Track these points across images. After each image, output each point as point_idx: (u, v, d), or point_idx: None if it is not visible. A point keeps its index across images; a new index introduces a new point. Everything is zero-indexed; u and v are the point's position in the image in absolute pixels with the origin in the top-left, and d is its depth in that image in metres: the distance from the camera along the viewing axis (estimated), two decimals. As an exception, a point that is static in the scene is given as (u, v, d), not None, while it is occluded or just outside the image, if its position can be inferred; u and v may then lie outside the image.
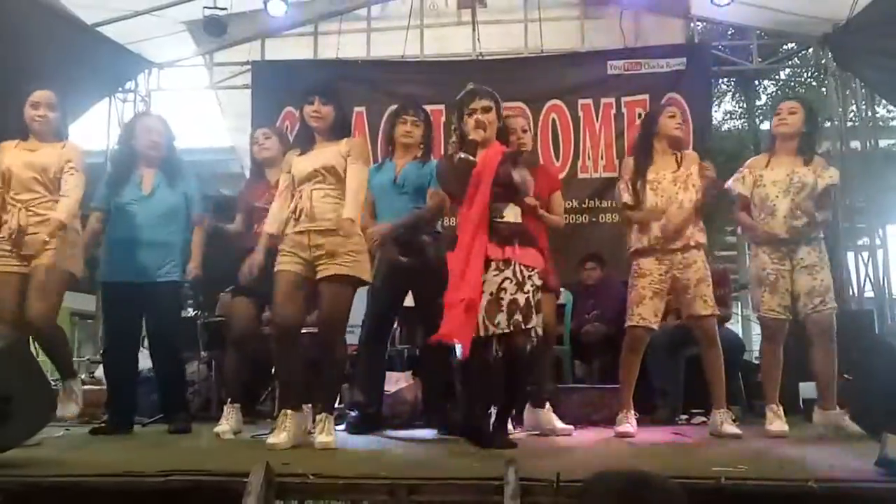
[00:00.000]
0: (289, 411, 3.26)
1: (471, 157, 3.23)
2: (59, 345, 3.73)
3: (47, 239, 3.47)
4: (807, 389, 4.34)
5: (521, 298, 3.18)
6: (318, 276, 3.27)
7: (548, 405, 3.94)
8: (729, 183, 3.94)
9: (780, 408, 3.76)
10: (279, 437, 3.18)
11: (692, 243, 3.76)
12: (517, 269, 3.21)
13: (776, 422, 3.69)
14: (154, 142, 4.03)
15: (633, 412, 3.82)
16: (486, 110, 3.36)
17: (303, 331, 4.57)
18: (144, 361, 4.21)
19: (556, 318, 4.32)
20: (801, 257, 3.74)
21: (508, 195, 3.30)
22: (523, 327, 3.18)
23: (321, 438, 3.18)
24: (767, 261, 3.78)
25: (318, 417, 3.31)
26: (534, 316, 3.21)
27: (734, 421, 3.81)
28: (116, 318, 4.04)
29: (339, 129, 3.43)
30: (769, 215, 3.78)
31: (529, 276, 3.23)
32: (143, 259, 3.86)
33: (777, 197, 3.76)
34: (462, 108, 3.39)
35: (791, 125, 3.82)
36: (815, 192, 3.73)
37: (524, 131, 3.94)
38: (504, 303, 3.17)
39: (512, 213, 3.30)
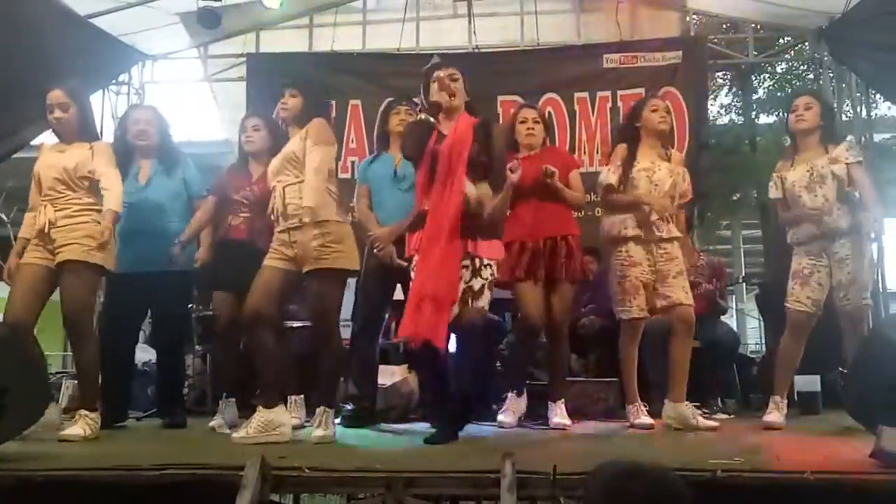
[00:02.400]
0: (260, 407, 3.24)
1: (430, 119, 3.22)
2: (88, 358, 3.49)
3: (110, 227, 3.41)
4: (802, 383, 4.34)
5: (477, 284, 3.21)
6: (304, 270, 3.28)
7: (562, 401, 3.90)
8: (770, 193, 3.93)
9: (785, 402, 3.75)
10: (242, 431, 3.19)
11: (675, 234, 3.82)
12: (475, 260, 3.23)
13: (774, 413, 3.70)
14: (141, 131, 4.03)
15: (643, 404, 3.83)
16: (453, 78, 3.35)
17: (296, 325, 4.61)
18: (140, 356, 4.21)
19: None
20: (835, 251, 3.69)
21: (479, 173, 3.25)
22: (472, 303, 3.19)
23: (318, 432, 3.18)
24: (804, 255, 3.76)
25: (317, 411, 3.30)
26: (484, 297, 3.22)
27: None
28: (117, 311, 4.01)
29: (307, 119, 3.42)
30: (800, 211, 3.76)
31: (487, 265, 3.25)
32: (147, 249, 3.85)
33: (801, 195, 3.74)
34: (427, 79, 3.40)
35: (809, 120, 3.79)
36: (839, 181, 3.66)
37: (536, 122, 3.94)
38: (461, 289, 3.19)
39: (476, 192, 3.22)
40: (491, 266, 3.27)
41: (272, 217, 3.37)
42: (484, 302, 3.23)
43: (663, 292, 3.78)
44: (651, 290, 3.80)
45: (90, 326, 3.52)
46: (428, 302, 3.05)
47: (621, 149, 3.93)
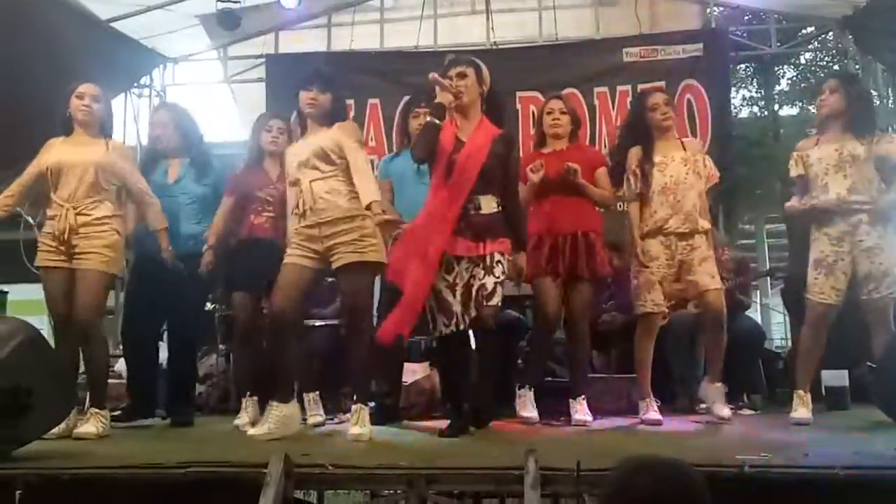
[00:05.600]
0: (275, 402, 3.25)
1: (437, 121, 3.23)
2: (98, 358, 3.56)
3: (168, 249, 3.65)
4: (829, 378, 4.27)
5: (490, 283, 3.24)
6: (335, 265, 3.26)
7: (583, 398, 3.87)
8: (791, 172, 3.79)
9: (808, 395, 3.68)
10: (262, 428, 3.19)
11: (699, 229, 3.74)
12: (488, 259, 3.27)
13: (800, 409, 3.62)
14: (157, 135, 4.08)
15: (654, 399, 3.79)
16: (461, 76, 3.33)
17: (318, 323, 4.62)
18: (164, 354, 4.23)
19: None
20: (860, 239, 3.55)
21: (490, 187, 3.30)
22: (486, 304, 3.23)
23: (355, 430, 3.16)
24: (826, 242, 3.60)
25: (353, 408, 3.27)
26: (496, 296, 3.26)
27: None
28: (137, 308, 4.05)
29: (333, 117, 3.41)
30: (822, 193, 3.63)
31: (499, 262, 3.28)
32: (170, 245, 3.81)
33: (826, 174, 3.61)
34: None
35: (830, 105, 3.68)
36: (870, 166, 3.56)
37: (562, 112, 3.91)
38: (474, 288, 3.25)
39: (488, 205, 3.30)
40: (503, 263, 3.28)
41: (296, 212, 3.32)
42: (497, 300, 3.27)
43: (690, 280, 3.74)
44: (670, 284, 3.76)
45: (100, 328, 3.55)
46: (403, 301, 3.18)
47: (634, 153, 3.87)
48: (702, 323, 3.84)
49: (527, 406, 3.79)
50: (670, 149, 3.82)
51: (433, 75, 3.30)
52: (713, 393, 3.77)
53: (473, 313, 3.26)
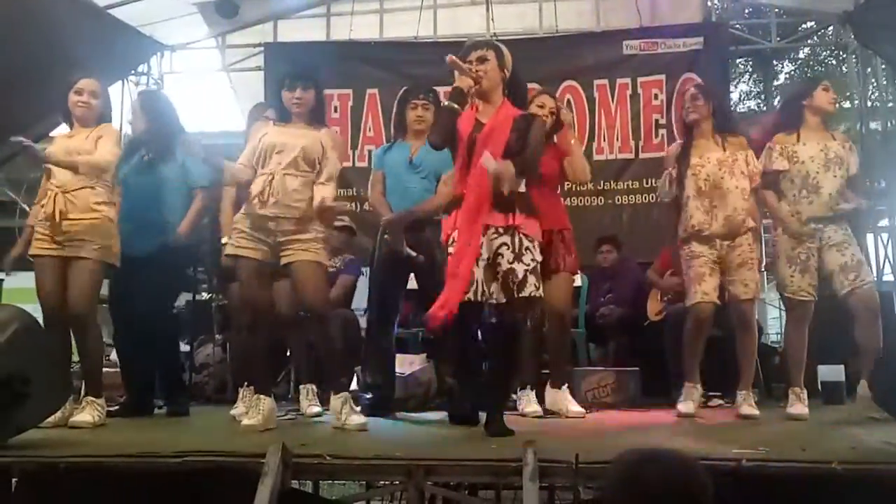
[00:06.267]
0: (262, 396, 3.26)
1: (454, 106, 3.10)
2: (93, 347, 3.53)
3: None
4: (826, 372, 4.28)
5: (520, 270, 3.01)
6: (285, 260, 3.31)
7: (565, 387, 3.91)
8: (764, 162, 3.75)
9: (805, 391, 3.69)
10: (254, 419, 3.19)
11: (741, 230, 3.69)
12: (517, 238, 3.05)
13: (797, 405, 3.63)
14: (129, 122, 4.03)
15: (699, 387, 3.80)
16: (481, 60, 3.17)
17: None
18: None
19: (571, 302, 4.30)
20: (828, 236, 3.64)
21: (513, 164, 3.07)
22: (517, 296, 3.00)
23: (354, 419, 3.17)
24: (796, 241, 3.66)
25: (338, 401, 3.28)
26: (530, 285, 3.01)
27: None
28: (117, 294, 3.98)
29: (316, 113, 3.46)
30: (813, 193, 3.65)
31: (528, 248, 3.06)
32: (134, 234, 3.76)
33: (818, 173, 3.64)
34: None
35: (833, 103, 3.77)
36: (849, 169, 3.65)
37: (551, 113, 3.89)
38: (500, 270, 3.04)
39: (496, 167, 3.04)
40: (532, 251, 3.06)
41: (259, 198, 3.27)
42: (528, 291, 3.00)
43: (726, 285, 3.73)
44: (718, 276, 3.71)
45: (93, 316, 3.52)
46: (450, 279, 3.00)
47: (672, 151, 3.89)
48: (731, 329, 3.82)
49: (531, 404, 3.81)
50: (708, 149, 3.74)
51: (451, 58, 3.12)
52: (742, 398, 3.72)
53: (503, 299, 3.06)
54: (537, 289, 3.03)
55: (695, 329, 3.74)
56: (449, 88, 3.20)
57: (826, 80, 3.85)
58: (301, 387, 4.02)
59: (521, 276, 3.01)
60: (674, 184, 3.76)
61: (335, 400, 3.27)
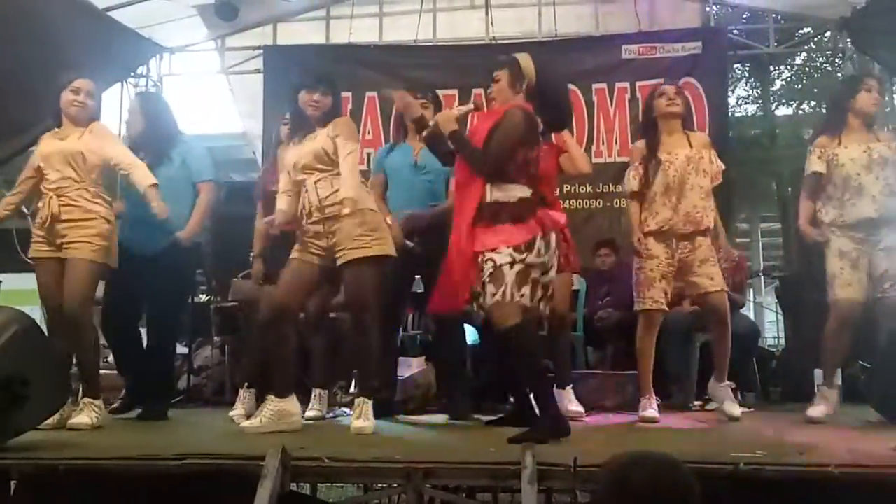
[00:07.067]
0: (272, 397, 3.25)
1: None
2: (89, 348, 3.52)
3: (163, 204, 3.48)
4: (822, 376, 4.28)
5: (478, 283, 3.04)
6: (339, 262, 3.28)
7: (569, 388, 3.92)
8: (807, 166, 3.74)
9: (833, 392, 3.65)
10: (255, 420, 3.19)
11: (701, 228, 3.71)
12: (479, 259, 3.02)
13: (821, 406, 3.59)
14: (127, 123, 4.04)
15: (654, 397, 3.79)
16: (495, 81, 3.23)
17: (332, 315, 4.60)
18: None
19: (570, 303, 4.31)
20: (880, 239, 3.57)
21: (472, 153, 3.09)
22: (485, 305, 3.00)
23: (358, 423, 3.18)
24: (848, 239, 3.60)
25: (356, 401, 3.29)
26: (488, 294, 2.95)
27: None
28: (118, 293, 3.95)
29: (330, 117, 3.43)
30: (855, 195, 3.60)
31: (488, 259, 2.98)
32: (140, 234, 3.79)
33: (859, 174, 3.59)
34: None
35: (878, 104, 3.72)
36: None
37: None
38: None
39: (490, 193, 3.03)
40: (493, 260, 2.95)
41: (303, 212, 3.32)
42: (489, 299, 2.94)
43: (691, 282, 3.74)
44: (671, 283, 3.75)
45: (90, 318, 3.52)
46: (448, 273, 3.05)
47: (637, 148, 3.87)
48: (705, 323, 3.84)
49: (573, 401, 3.86)
50: (676, 145, 3.75)
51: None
52: (721, 392, 3.76)
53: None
54: (493, 295, 2.94)
55: (646, 335, 3.76)
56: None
57: (870, 79, 3.80)
58: (313, 390, 3.96)
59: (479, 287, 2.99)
60: (641, 179, 3.76)
61: (358, 400, 3.27)
